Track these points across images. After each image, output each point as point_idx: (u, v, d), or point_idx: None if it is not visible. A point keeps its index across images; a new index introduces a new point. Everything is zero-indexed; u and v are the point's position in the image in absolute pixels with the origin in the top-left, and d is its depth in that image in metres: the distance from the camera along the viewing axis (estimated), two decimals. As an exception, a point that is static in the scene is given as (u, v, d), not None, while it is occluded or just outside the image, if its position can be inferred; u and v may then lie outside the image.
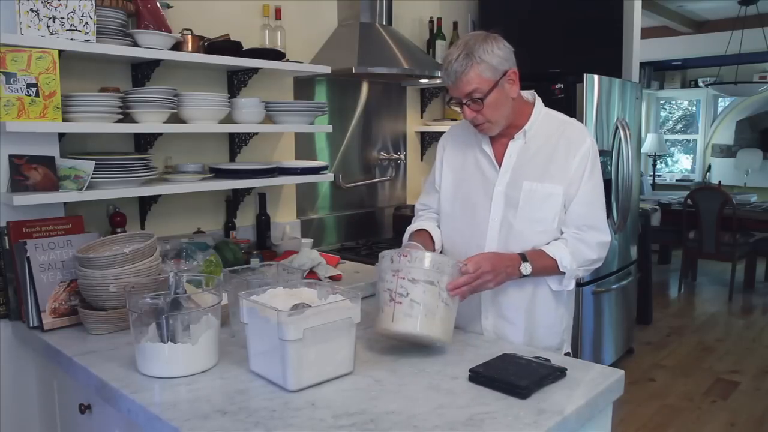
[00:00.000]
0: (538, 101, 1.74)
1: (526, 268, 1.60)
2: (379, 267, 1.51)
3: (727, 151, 8.99)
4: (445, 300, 1.47)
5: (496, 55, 1.57)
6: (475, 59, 1.55)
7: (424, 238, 1.78)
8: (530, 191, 1.66)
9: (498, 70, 1.58)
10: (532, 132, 1.70)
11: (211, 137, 2.50)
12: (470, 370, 1.38)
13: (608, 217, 3.06)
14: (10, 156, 1.80)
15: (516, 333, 1.72)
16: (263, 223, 2.67)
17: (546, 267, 1.64)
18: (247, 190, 2.61)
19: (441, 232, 1.83)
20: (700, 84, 9.18)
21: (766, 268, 6.44)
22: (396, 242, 3.13)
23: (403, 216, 3.35)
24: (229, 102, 2.29)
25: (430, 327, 1.45)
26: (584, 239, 1.67)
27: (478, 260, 1.53)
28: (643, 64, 5.82)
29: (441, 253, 1.82)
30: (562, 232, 1.69)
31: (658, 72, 9.41)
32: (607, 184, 3.47)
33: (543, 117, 1.72)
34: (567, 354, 1.78)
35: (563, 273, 1.66)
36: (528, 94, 1.74)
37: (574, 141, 1.67)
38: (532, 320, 1.72)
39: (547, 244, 1.66)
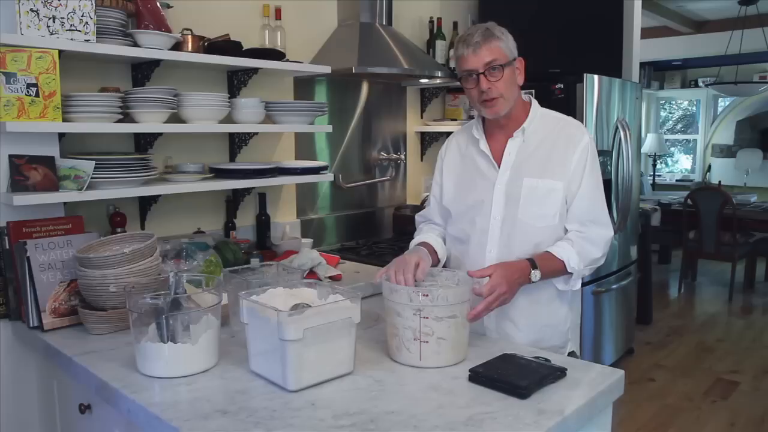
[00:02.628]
0: (534, 101, 1.78)
1: (535, 275, 1.60)
2: (391, 298, 1.47)
3: (727, 151, 8.99)
4: (465, 325, 1.48)
5: (510, 39, 1.67)
6: (495, 34, 1.64)
7: (427, 251, 1.74)
8: (531, 188, 1.68)
9: (512, 51, 1.67)
10: (530, 129, 1.72)
11: (211, 137, 2.50)
12: (470, 370, 1.38)
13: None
14: (10, 156, 1.80)
15: (519, 332, 1.72)
16: (263, 223, 2.67)
17: (554, 270, 1.65)
18: (247, 190, 2.61)
19: (447, 235, 1.85)
20: (700, 84, 9.18)
21: (766, 268, 6.44)
22: (396, 242, 3.14)
23: (403, 216, 3.35)
24: (229, 102, 2.29)
25: (457, 355, 1.47)
26: (589, 237, 1.68)
27: (494, 283, 1.51)
28: (643, 64, 5.83)
29: (445, 265, 1.83)
30: (566, 230, 1.70)
31: (658, 72, 9.42)
32: (607, 184, 3.47)
33: (540, 116, 1.76)
34: (572, 353, 1.78)
35: (570, 274, 1.67)
36: (524, 96, 1.78)
37: (573, 137, 1.71)
38: (535, 320, 1.73)
39: (554, 244, 1.67)
